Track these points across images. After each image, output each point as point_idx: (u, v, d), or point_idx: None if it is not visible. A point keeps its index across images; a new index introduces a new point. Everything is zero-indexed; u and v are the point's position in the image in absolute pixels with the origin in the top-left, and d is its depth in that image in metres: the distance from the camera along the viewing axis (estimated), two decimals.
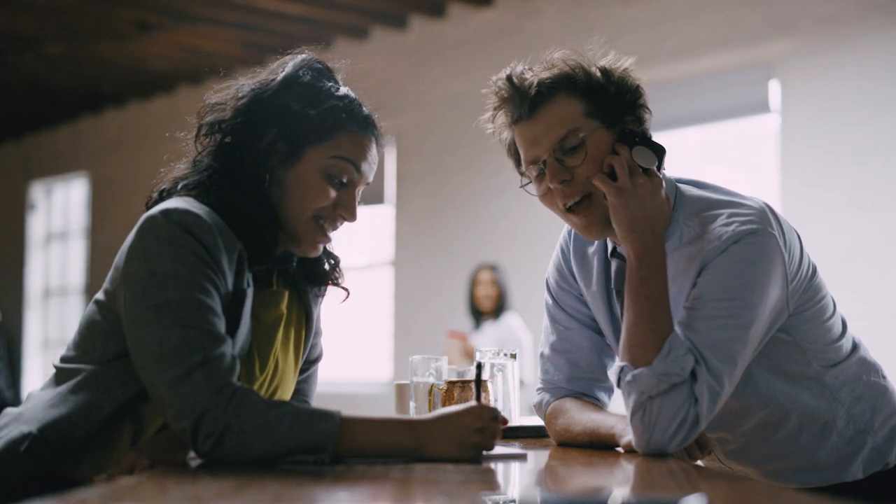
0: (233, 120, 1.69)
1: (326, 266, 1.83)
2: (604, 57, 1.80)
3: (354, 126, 1.70)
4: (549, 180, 1.75)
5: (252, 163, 1.67)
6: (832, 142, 5.56)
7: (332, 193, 1.69)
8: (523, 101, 1.76)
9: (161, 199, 1.68)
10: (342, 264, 1.86)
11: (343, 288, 1.86)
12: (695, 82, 6.14)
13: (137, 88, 9.33)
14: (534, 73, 1.78)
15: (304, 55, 1.75)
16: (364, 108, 1.74)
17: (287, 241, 1.71)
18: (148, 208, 1.66)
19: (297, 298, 1.79)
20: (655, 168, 1.75)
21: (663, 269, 1.69)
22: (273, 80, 1.71)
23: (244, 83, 1.73)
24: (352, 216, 1.72)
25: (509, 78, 1.78)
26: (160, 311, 1.50)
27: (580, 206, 1.76)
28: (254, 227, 1.64)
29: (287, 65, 1.73)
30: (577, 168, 1.74)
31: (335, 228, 1.73)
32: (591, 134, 1.74)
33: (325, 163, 1.68)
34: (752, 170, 6.35)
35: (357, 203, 1.73)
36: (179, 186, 1.68)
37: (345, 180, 1.70)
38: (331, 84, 1.72)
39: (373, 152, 1.73)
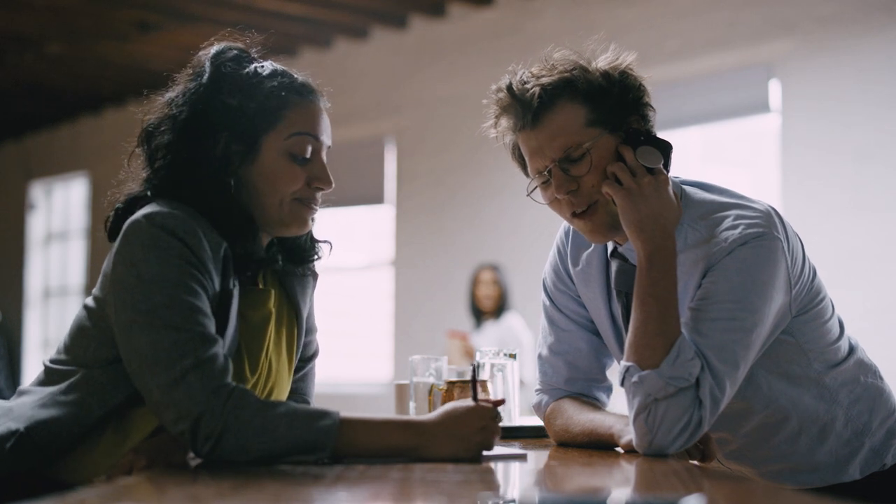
0: (179, 139, 1.65)
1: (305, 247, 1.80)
2: (604, 54, 1.79)
3: (296, 97, 1.68)
4: (556, 191, 1.74)
5: (212, 173, 1.63)
6: (832, 142, 5.55)
7: (302, 173, 1.67)
8: (526, 112, 1.74)
9: (128, 208, 1.65)
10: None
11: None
12: (695, 82, 6.14)
13: (137, 88, 9.29)
14: (535, 78, 1.75)
15: (214, 48, 1.71)
16: (297, 76, 1.71)
17: (274, 227, 1.69)
18: (114, 219, 1.64)
19: (286, 298, 1.78)
20: (662, 165, 1.74)
21: (673, 270, 1.68)
22: (199, 85, 1.67)
23: (173, 97, 1.68)
24: (328, 184, 1.69)
25: (510, 87, 1.75)
26: (150, 315, 1.49)
27: (586, 212, 1.76)
28: (232, 231, 1.63)
29: (205, 65, 1.68)
30: (583, 177, 1.73)
31: (317, 201, 1.71)
32: (594, 142, 1.73)
33: (284, 144, 1.66)
34: (753, 170, 6.34)
35: (326, 168, 1.70)
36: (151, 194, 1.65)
37: (308, 155, 1.68)
38: (255, 66, 1.70)
39: (322, 115, 1.71)
